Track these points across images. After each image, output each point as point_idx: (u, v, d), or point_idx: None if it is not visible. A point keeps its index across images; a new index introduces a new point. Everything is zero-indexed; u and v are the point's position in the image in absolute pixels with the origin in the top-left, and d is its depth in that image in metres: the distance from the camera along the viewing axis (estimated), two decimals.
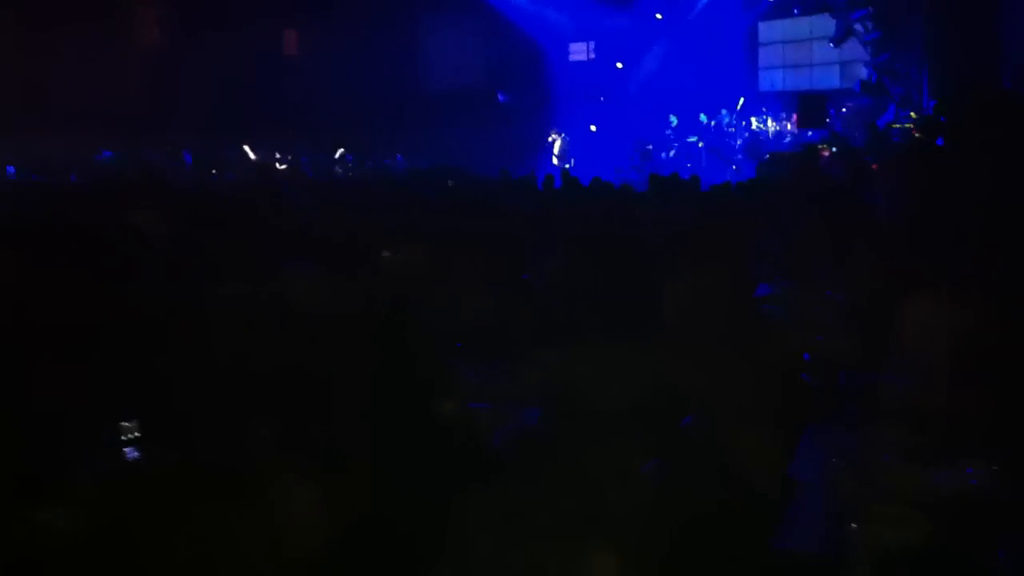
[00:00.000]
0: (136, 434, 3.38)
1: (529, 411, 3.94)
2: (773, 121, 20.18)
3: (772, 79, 21.64)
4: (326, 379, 3.42)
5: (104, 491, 2.95)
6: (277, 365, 3.50)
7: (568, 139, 21.22)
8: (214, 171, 16.33)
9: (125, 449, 3.36)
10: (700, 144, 20.77)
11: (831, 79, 20.42)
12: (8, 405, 3.17)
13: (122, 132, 17.36)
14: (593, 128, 22.86)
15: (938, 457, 3.08)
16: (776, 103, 20.62)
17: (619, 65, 22.93)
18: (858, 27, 17.79)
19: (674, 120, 21.43)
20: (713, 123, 20.94)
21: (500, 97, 23.41)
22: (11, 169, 14.48)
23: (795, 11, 20.76)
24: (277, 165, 19.22)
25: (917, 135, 13.15)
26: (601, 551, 3.10)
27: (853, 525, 2.96)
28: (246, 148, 19.35)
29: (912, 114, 15.49)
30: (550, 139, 21.29)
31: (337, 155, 20.23)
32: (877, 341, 3.91)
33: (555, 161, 20.77)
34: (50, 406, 3.24)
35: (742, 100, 20.68)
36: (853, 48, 18.64)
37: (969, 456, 3.05)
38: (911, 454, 3.17)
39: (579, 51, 23.67)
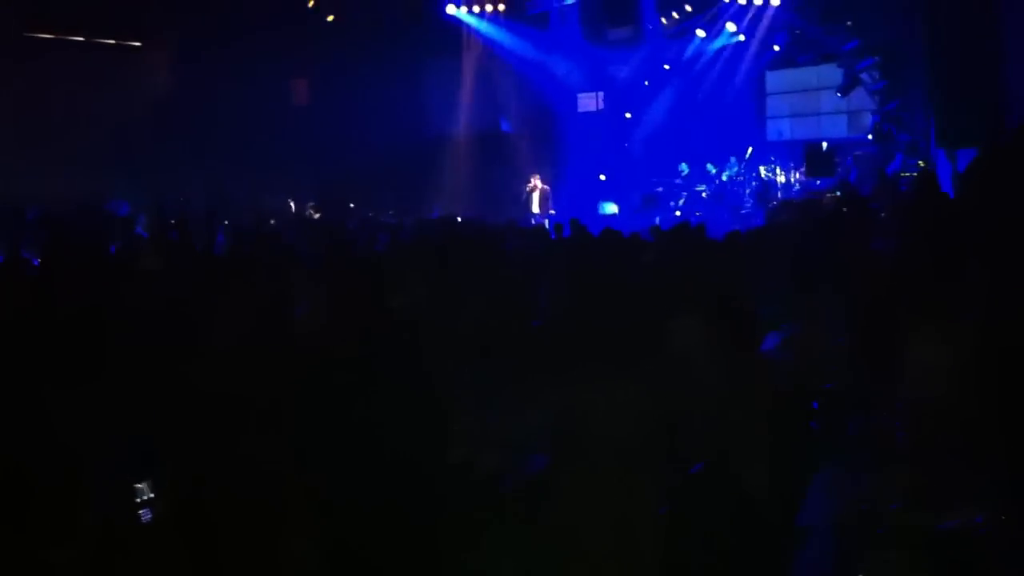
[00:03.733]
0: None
1: (536, 457, 3.94)
2: (781, 170, 20.27)
3: (780, 128, 21.79)
4: (330, 420, 3.43)
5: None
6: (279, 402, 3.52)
7: (548, 187, 20.77)
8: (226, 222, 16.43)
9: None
10: (705, 194, 20.84)
11: (839, 128, 20.56)
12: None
13: (128, 179, 17.50)
14: (603, 177, 22.97)
15: (945, 502, 3.07)
16: (784, 152, 20.71)
17: (628, 115, 23.08)
18: (864, 77, 17.93)
19: (684, 168, 21.54)
20: (715, 170, 21.00)
21: (503, 126, 23.47)
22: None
23: (801, 61, 20.94)
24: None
25: (922, 183, 13.19)
26: None
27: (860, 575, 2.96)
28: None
29: (920, 162, 15.56)
30: (528, 188, 20.64)
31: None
32: (883, 386, 3.91)
33: (535, 210, 20.30)
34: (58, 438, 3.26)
35: (751, 149, 20.79)
36: (860, 97, 18.78)
37: (976, 501, 3.04)
38: (918, 500, 3.16)
39: (588, 101, 23.82)
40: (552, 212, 20.10)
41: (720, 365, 3.83)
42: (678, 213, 20.33)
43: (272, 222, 16.26)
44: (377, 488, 3.31)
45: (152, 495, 3.39)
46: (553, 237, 11.94)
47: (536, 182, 20.61)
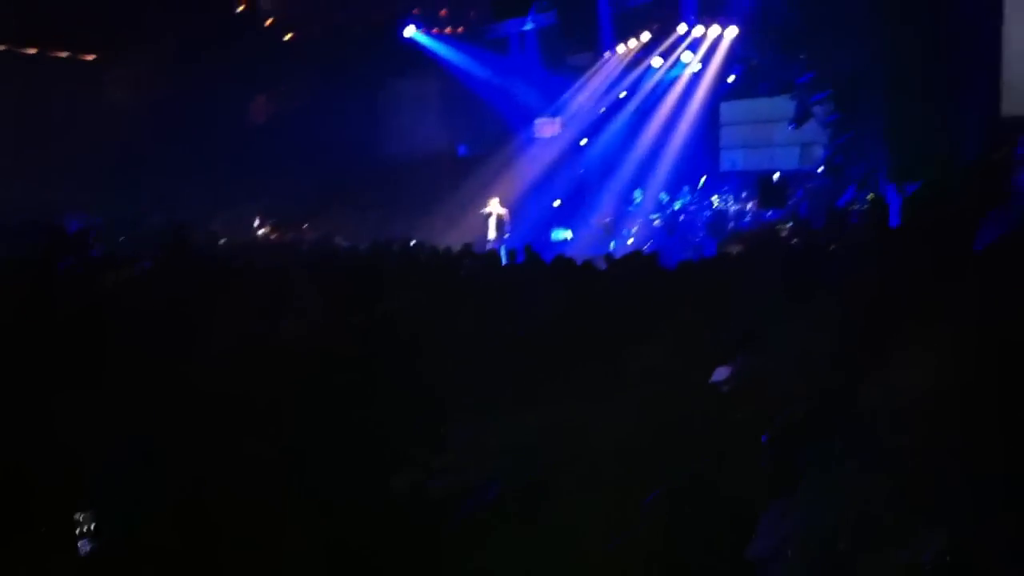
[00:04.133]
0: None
1: (489, 484, 3.92)
2: (734, 200, 20.46)
3: (733, 159, 22.00)
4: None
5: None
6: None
7: (506, 212, 20.89)
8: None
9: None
10: (656, 222, 20.99)
11: (791, 160, 20.78)
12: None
13: (85, 194, 17.30)
14: (557, 203, 23.05)
15: (900, 532, 3.09)
16: (737, 182, 20.91)
17: (583, 142, 23.21)
18: (817, 109, 18.15)
19: (638, 196, 21.68)
20: (668, 199, 21.17)
21: (460, 150, 23.50)
22: None
23: (756, 92, 21.19)
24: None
25: (871, 214, 13.41)
26: None
27: None
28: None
29: (870, 195, 15.76)
30: (485, 211, 20.80)
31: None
32: (836, 413, 3.94)
33: (491, 235, 20.37)
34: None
35: (704, 178, 20.98)
36: (813, 130, 19.02)
37: (932, 530, 3.06)
38: (872, 529, 3.18)
39: (545, 126, 23.92)
40: (507, 235, 20.12)
41: (665, 394, 3.85)
42: (630, 241, 20.42)
43: (221, 242, 16.10)
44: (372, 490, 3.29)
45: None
46: (505, 263, 11.95)
47: (493, 206, 20.63)
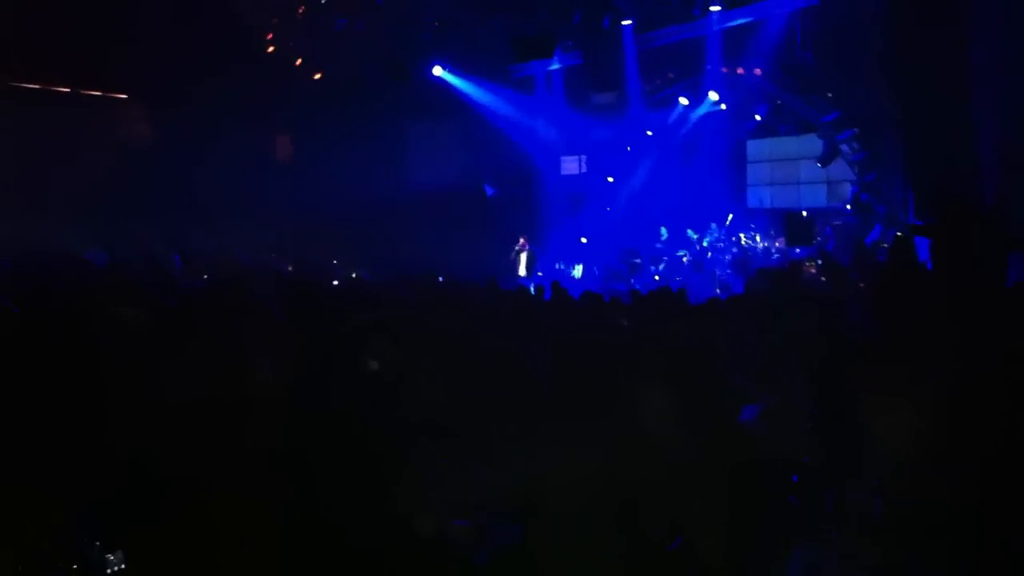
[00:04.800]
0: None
1: (511, 527, 3.89)
2: (761, 237, 20.41)
3: (760, 196, 21.99)
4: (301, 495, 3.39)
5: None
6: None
7: (535, 251, 21.02)
8: (205, 276, 16.37)
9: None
10: (685, 259, 20.98)
11: (818, 197, 20.76)
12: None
13: (110, 229, 17.47)
14: (584, 240, 23.10)
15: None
16: (764, 220, 20.88)
17: (610, 179, 23.27)
18: (844, 147, 18.15)
19: (664, 233, 21.69)
20: (695, 236, 21.18)
21: (488, 191, 23.60)
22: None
23: (782, 130, 21.21)
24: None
25: (898, 255, 13.32)
26: None
27: None
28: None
29: (898, 233, 15.69)
30: (516, 248, 20.92)
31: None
32: (857, 458, 3.89)
33: (522, 272, 20.51)
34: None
35: (731, 216, 20.95)
36: (840, 167, 19.00)
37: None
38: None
39: (571, 164, 24.04)
40: (539, 274, 20.23)
41: (687, 435, 3.81)
42: (657, 278, 20.41)
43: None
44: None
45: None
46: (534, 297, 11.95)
47: (523, 244, 20.77)
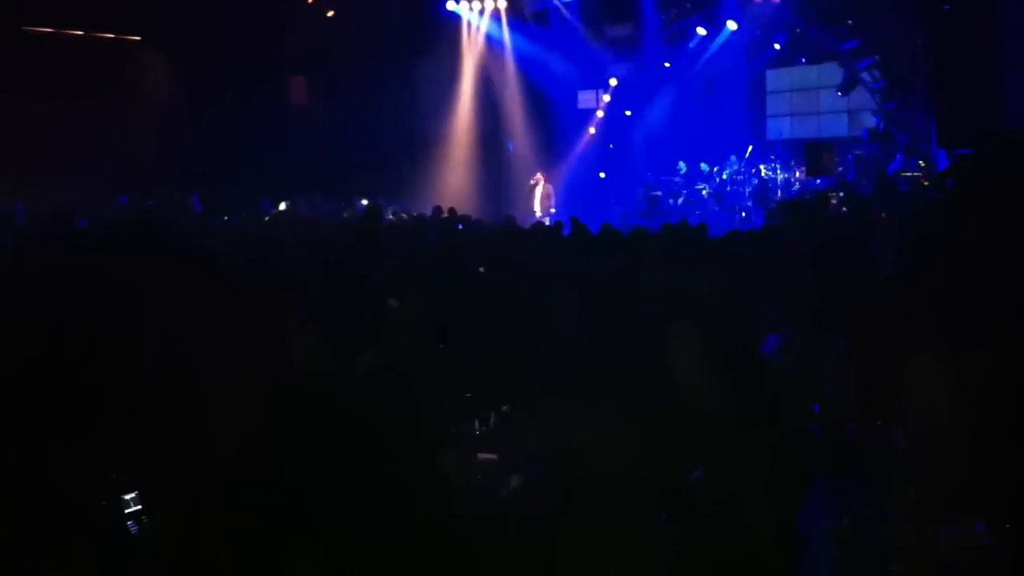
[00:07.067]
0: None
1: (535, 463, 3.93)
2: (781, 169, 20.23)
3: (780, 127, 21.76)
4: (327, 436, 3.41)
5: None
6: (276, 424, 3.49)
7: (551, 185, 20.86)
8: (226, 216, 16.36)
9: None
10: (705, 192, 20.85)
11: (839, 127, 20.56)
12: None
13: (132, 180, 17.44)
14: (602, 175, 22.97)
15: (944, 513, 3.07)
16: (784, 151, 20.68)
17: (627, 112, 23.05)
18: (865, 76, 17.90)
19: (683, 167, 21.54)
20: (716, 169, 21.02)
21: (509, 146, 23.48)
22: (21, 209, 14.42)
23: (802, 60, 20.92)
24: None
25: (926, 185, 13.20)
26: None
27: None
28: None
29: (920, 162, 15.54)
30: (532, 182, 20.80)
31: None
32: (882, 392, 3.90)
33: (536, 208, 20.42)
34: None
35: (751, 148, 20.76)
36: (861, 96, 18.77)
37: (976, 512, 3.03)
38: (917, 510, 3.15)
39: (588, 98, 23.81)
40: (553, 210, 20.10)
41: (721, 374, 3.80)
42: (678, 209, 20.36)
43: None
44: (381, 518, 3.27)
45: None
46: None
47: (540, 179, 20.65)
